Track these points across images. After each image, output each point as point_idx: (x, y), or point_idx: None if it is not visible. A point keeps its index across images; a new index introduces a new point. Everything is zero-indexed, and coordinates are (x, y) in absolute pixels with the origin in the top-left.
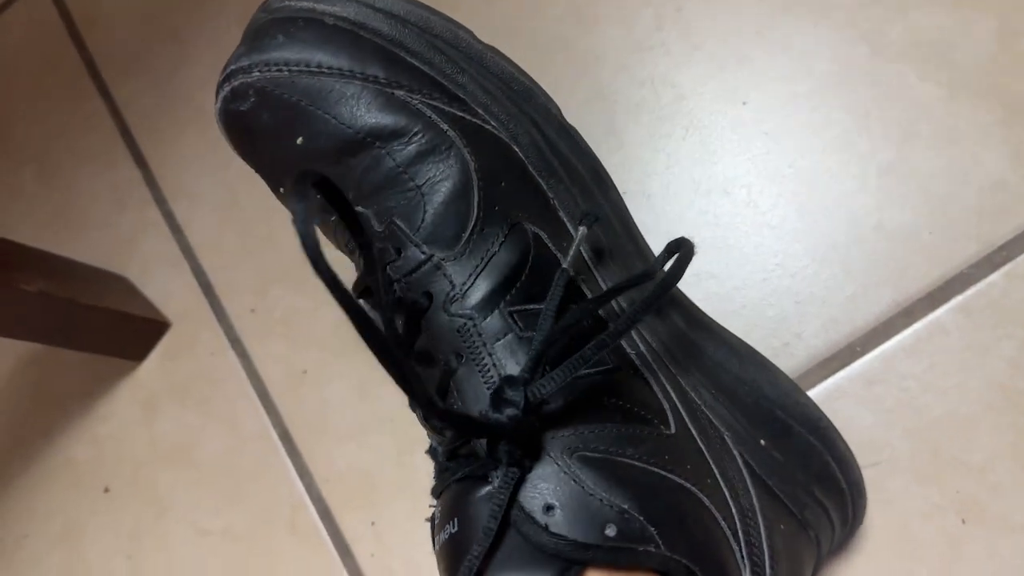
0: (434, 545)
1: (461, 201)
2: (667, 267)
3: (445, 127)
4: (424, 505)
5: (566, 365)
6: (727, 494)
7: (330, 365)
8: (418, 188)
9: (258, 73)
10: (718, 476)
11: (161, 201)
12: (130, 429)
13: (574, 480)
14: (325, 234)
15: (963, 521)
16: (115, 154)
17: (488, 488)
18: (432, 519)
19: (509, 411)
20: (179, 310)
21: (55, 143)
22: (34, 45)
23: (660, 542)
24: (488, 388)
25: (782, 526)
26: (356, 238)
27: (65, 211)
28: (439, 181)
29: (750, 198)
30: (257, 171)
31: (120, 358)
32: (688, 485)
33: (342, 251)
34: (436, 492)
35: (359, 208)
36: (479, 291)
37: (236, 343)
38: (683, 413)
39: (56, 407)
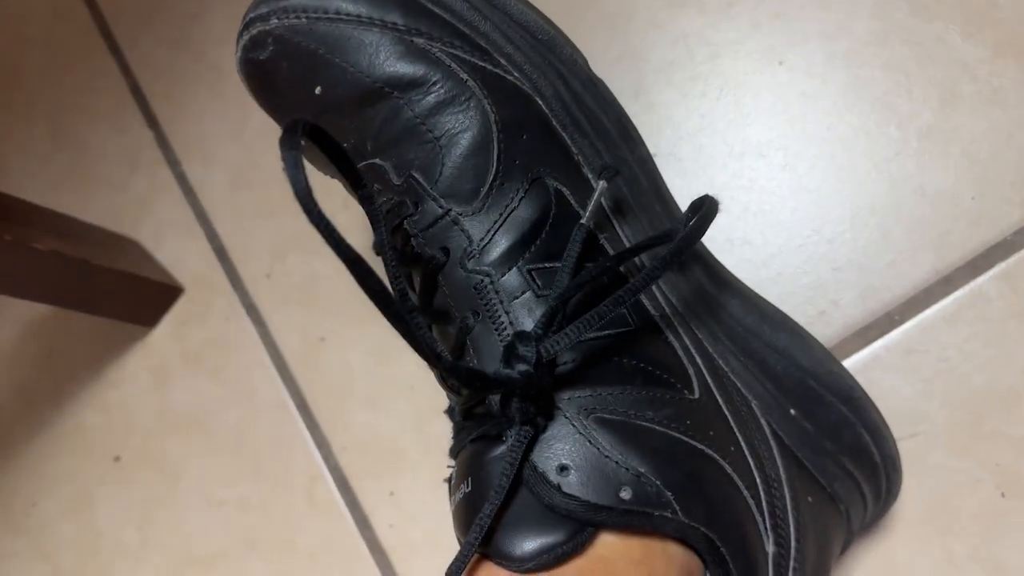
0: (451, 506)
1: (480, 154)
2: (691, 224)
3: (465, 77)
4: (444, 474)
5: (580, 321)
6: (751, 463)
7: (349, 332)
8: (436, 140)
9: (276, 21)
10: (743, 444)
11: (174, 163)
12: (142, 396)
13: (589, 441)
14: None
15: (1003, 495)
16: (127, 114)
17: (502, 447)
18: (449, 480)
19: (521, 367)
20: (193, 275)
21: (66, 101)
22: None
23: (677, 508)
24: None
25: (810, 498)
26: (356, 190)
27: (76, 171)
28: (458, 133)
29: (786, 161)
30: (278, 123)
31: (132, 323)
32: (710, 452)
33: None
34: (453, 452)
35: (377, 160)
36: (497, 247)
37: (252, 309)
38: (708, 378)
39: (66, 373)
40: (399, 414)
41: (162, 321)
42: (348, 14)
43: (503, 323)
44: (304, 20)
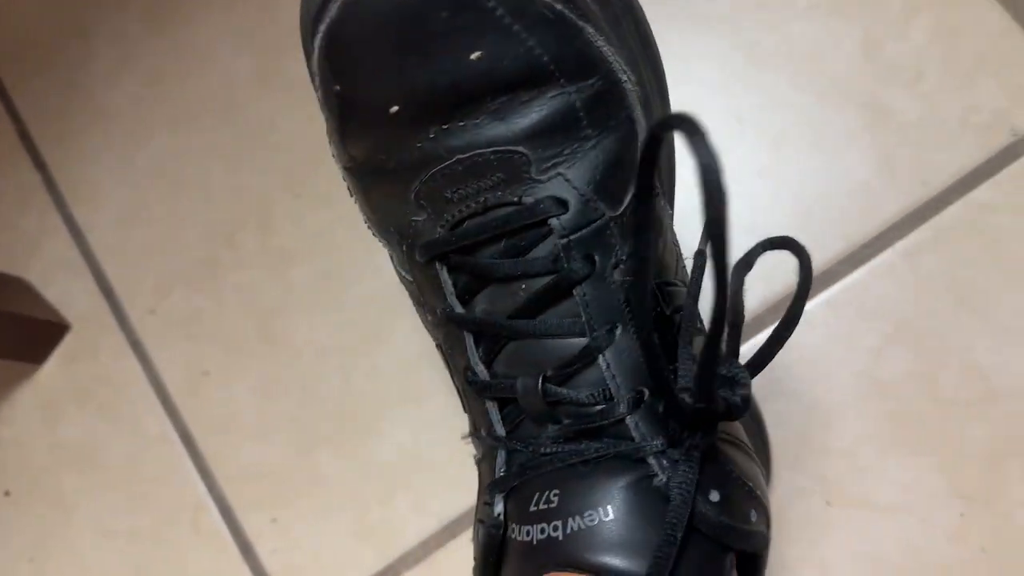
0: (525, 535)
1: (627, 159)
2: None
3: (624, 78)
4: (326, 501)
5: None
6: None
7: (232, 366)
8: (593, 137)
9: None
10: None
11: (62, 205)
12: (31, 433)
13: (727, 464)
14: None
15: (828, 503)
16: (15, 157)
17: (657, 476)
18: (495, 512)
19: (742, 392)
20: (80, 313)
21: None
22: None
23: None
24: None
25: None
26: (642, 189)
27: None
28: (612, 133)
29: None
30: (359, 80)
31: (21, 361)
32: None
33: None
34: (514, 478)
35: (521, 148)
36: (635, 258)
37: (137, 345)
38: None
39: None
40: (281, 445)
41: (51, 358)
42: None
43: (648, 335)
44: None
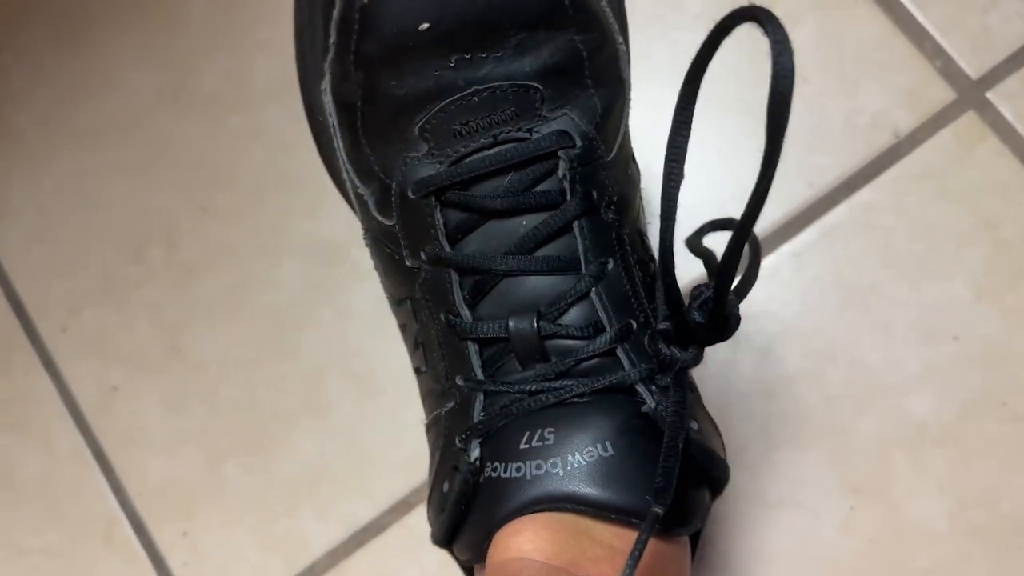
0: (515, 471)
1: (616, 111)
2: None
3: (620, 40)
4: (234, 513)
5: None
6: None
7: (140, 381)
8: (591, 86)
9: None
10: None
11: None
12: None
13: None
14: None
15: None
16: None
17: (646, 405)
18: (471, 458)
19: (736, 312)
20: None
21: None
22: None
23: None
24: (630, 293)
25: None
26: (685, 112)
27: None
28: (609, 88)
29: None
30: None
31: None
32: None
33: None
34: (497, 420)
35: (536, 84)
36: (623, 201)
37: (49, 364)
38: None
39: None
40: (190, 458)
41: None
42: None
43: (633, 273)
44: None
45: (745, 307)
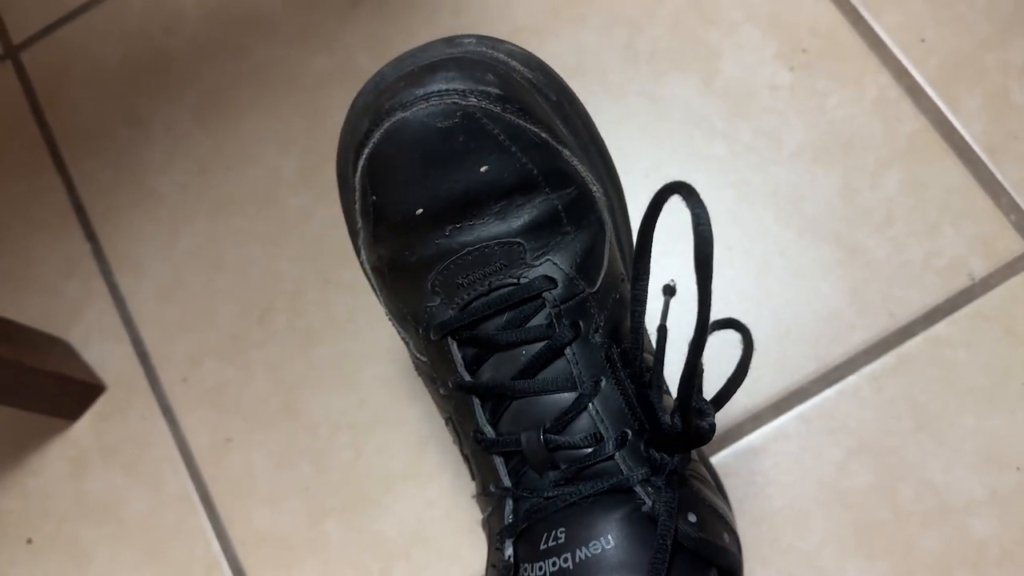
0: (538, 570)
1: (599, 250)
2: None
3: (595, 188)
4: (331, 568)
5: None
6: None
7: (253, 435)
8: (572, 232)
9: (475, 100)
10: None
11: (107, 273)
12: (58, 484)
13: (696, 488)
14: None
15: None
16: (68, 227)
17: (644, 504)
18: (505, 556)
19: (708, 420)
20: (116, 375)
21: (8, 209)
22: None
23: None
24: (624, 405)
25: None
26: (639, 266)
27: (14, 274)
28: (587, 229)
29: None
30: (393, 190)
31: (56, 417)
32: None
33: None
34: (522, 522)
35: (519, 240)
36: (610, 324)
37: (167, 410)
38: None
39: None
40: (294, 512)
41: (84, 416)
42: (531, 115)
43: (626, 386)
44: (499, 109)
45: (827, 422)
